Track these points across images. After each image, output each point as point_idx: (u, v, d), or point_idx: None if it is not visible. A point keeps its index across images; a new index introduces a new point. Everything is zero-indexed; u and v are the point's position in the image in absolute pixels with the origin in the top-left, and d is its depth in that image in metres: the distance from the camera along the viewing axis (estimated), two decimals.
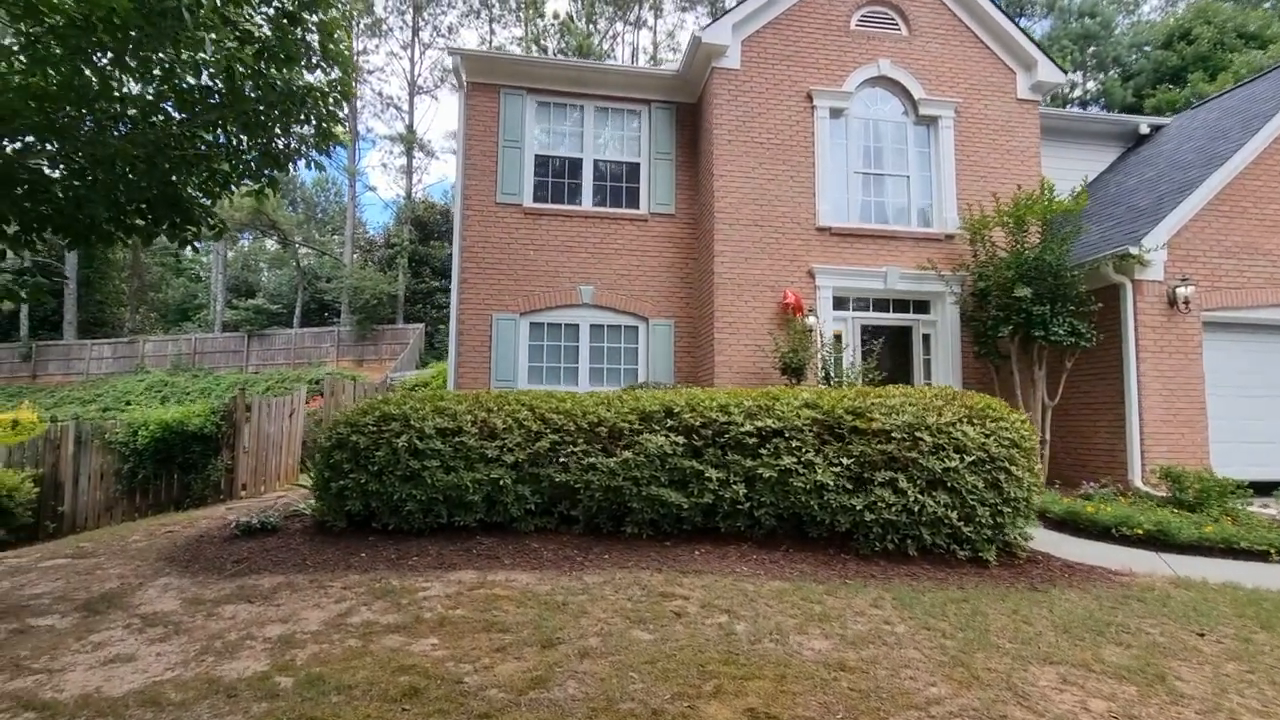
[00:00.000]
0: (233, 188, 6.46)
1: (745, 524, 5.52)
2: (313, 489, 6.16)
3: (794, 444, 5.34)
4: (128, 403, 28.22)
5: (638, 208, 9.77)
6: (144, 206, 5.58)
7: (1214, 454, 7.68)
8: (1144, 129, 11.33)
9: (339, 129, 7.05)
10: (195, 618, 4.10)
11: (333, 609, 4.18)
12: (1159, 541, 5.83)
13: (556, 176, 9.72)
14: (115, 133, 5.19)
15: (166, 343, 32.94)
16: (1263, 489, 7.25)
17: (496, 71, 9.51)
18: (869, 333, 9.18)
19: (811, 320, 8.50)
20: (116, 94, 4.95)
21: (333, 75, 6.42)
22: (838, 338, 8.76)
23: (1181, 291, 7.71)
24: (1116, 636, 3.74)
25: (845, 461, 5.17)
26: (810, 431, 5.37)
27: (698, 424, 5.63)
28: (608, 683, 3.12)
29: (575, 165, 9.75)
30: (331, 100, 6.73)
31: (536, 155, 9.62)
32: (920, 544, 5.04)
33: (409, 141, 36.59)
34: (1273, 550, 5.48)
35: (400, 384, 11.82)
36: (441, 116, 64.87)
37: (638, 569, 4.95)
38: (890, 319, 9.31)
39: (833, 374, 7.92)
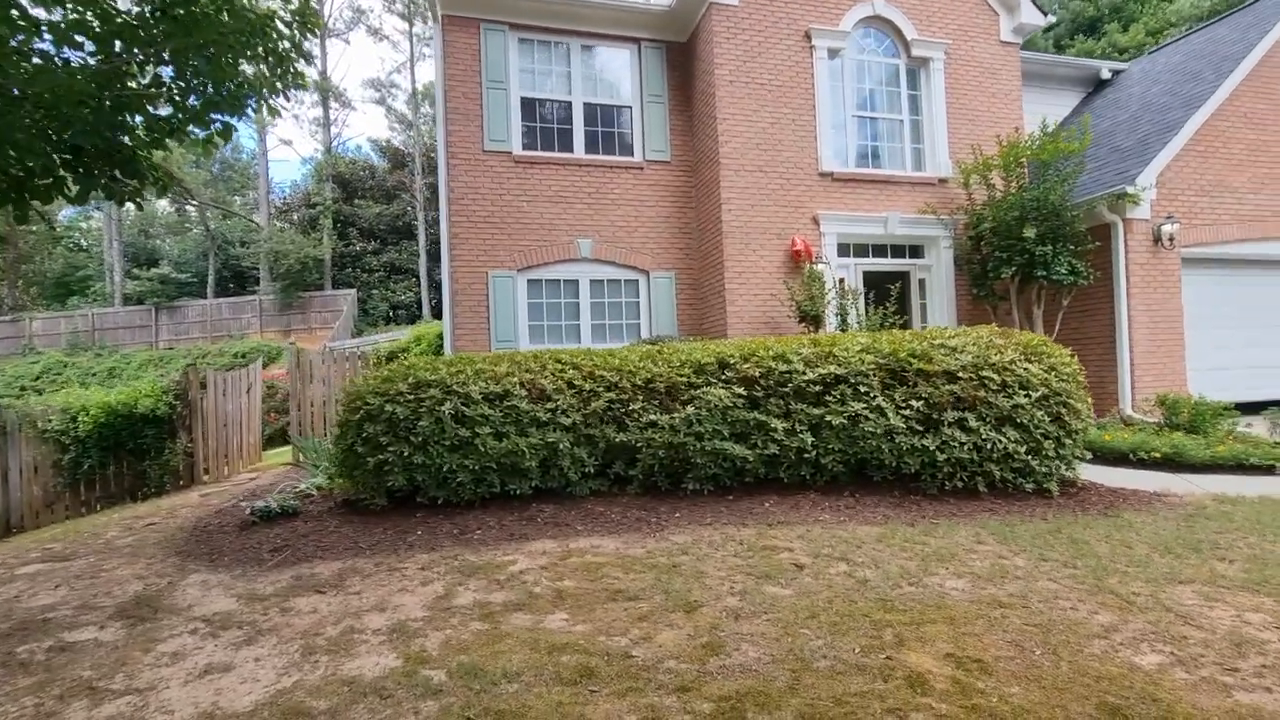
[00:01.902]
0: (176, 137, 5.63)
1: (809, 472, 5.47)
2: (339, 466, 5.61)
3: (861, 389, 5.29)
4: (23, 388, 25.24)
5: (632, 155, 9.31)
6: (69, 157, 4.71)
7: (1191, 381, 8.29)
8: (1105, 74, 11.78)
9: (303, 67, 6.25)
10: (269, 615, 3.64)
11: (425, 592, 3.81)
12: (1174, 463, 6.25)
13: (545, 122, 9.08)
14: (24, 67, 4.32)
15: (58, 319, 29.56)
16: (1244, 410, 7.90)
17: (475, 2, 8.66)
18: (870, 279, 9.25)
19: (822, 267, 8.45)
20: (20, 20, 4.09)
21: (293, 4, 5.64)
22: (841, 283, 8.77)
23: (1166, 229, 8.15)
24: (1215, 553, 3.94)
25: (915, 404, 5.17)
26: (875, 376, 5.33)
27: (757, 375, 5.47)
28: (783, 642, 2.98)
29: (565, 110, 9.13)
30: (293, 31, 5.94)
31: (523, 98, 8.93)
32: (989, 480, 5.15)
33: (324, 90, 33.59)
34: (1278, 464, 5.97)
35: (372, 351, 11.01)
36: (357, 63, 59.86)
37: (720, 525, 4.81)
38: (889, 264, 9.40)
39: (849, 320, 7.93)
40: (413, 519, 5.20)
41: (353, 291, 29.90)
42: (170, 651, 3.25)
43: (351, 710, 2.59)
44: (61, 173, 4.80)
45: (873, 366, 5.35)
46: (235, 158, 39.41)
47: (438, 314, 32.57)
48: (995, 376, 5.11)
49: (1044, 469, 5.16)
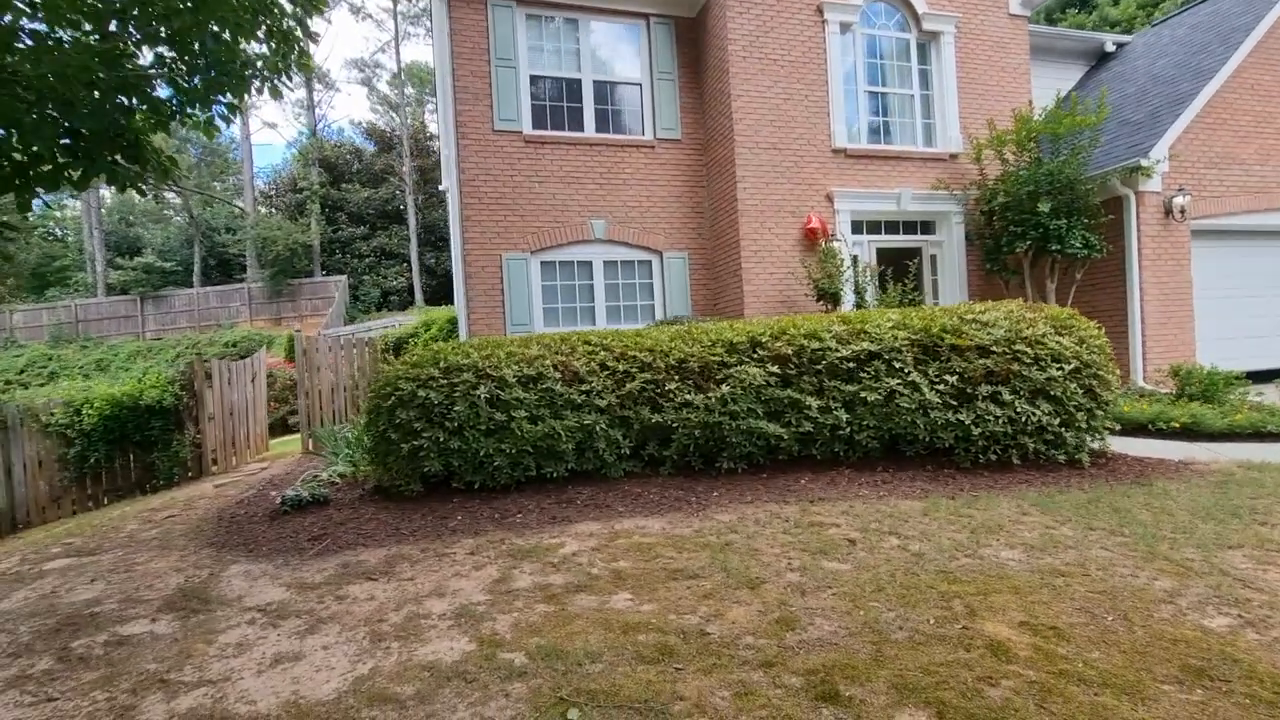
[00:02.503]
0: (179, 119, 5.49)
1: (843, 449, 5.50)
2: (369, 453, 5.56)
3: (895, 365, 5.30)
4: (7, 382, 24.75)
5: (643, 134, 9.19)
6: (68, 142, 4.54)
7: (1199, 352, 8.41)
8: (1109, 47, 11.77)
9: (308, 46, 6.10)
10: (325, 603, 3.61)
11: (480, 576, 3.80)
12: (1193, 432, 6.35)
13: (554, 100, 8.93)
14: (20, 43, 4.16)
15: (40, 311, 28.93)
16: (1253, 379, 8.03)
17: None
18: (882, 255, 9.25)
19: (838, 244, 8.43)
20: None
21: None
22: (854, 260, 8.76)
23: (1178, 201, 8.21)
24: (1255, 518, 4.01)
25: (949, 379, 5.19)
26: (909, 352, 5.34)
27: (790, 353, 5.46)
28: (855, 615, 3.00)
29: (574, 87, 8.97)
30: (298, 9, 5.81)
31: (532, 76, 8.76)
32: (1023, 452, 5.21)
33: (308, 71, 32.74)
34: None
35: (380, 337, 10.88)
36: (340, 43, 58.26)
37: (761, 503, 4.83)
38: (901, 241, 9.41)
39: (867, 298, 7.93)
40: (449, 504, 5.17)
41: (343, 278, 29.50)
42: (233, 642, 3.22)
43: (438, 694, 2.58)
44: (61, 159, 4.65)
45: (906, 342, 5.36)
46: (216, 142, 38.50)
47: (431, 300, 32.26)
48: (1029, 350, 5.15)
49: (1075, 441, 5.22)
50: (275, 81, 5.79)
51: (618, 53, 9.23)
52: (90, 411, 9.05)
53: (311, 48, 6.22)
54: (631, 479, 5.54)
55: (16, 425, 9.15)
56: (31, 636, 3.56)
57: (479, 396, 5.08)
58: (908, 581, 3.33)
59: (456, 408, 5.07)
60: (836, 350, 5.39)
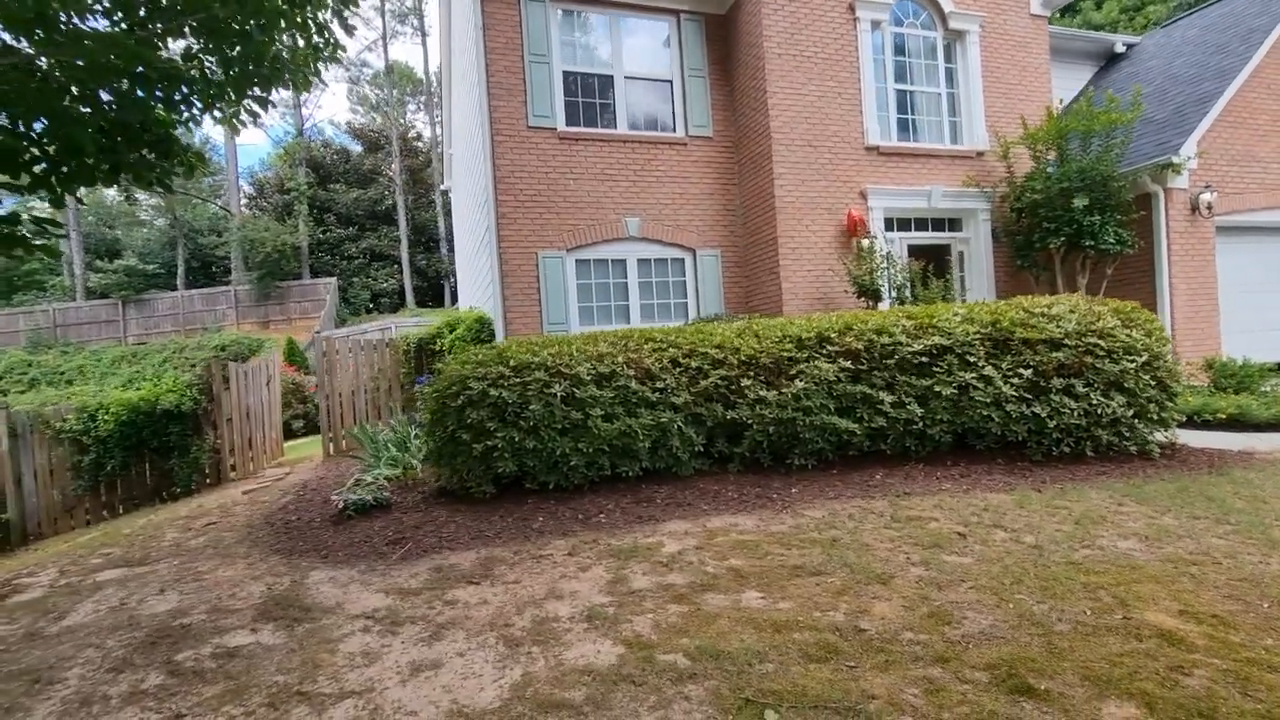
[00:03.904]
0: (211, 112, 5.33)
1: (914, 443, 5.48)
2: (434, 454, 5.41)
3: (968, 359, 5.31)
4: None
5: (674, 131, 9.13)
6: (102, 136, 4.37)
7: (1224, 345, 8.59)
8: (1119, 48, 12.00)
9: (343, 38, 5.97)
10: (436, 608, 3.48)
11: (590, 578, 3.70)
12: (1240, 423, 6.47)
13: (587, 96, 8.83)
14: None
15: (17, 316, 27.97)
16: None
17: None
18: (913, 252, 9.30)
19: (877, 241, 8.45)
20: None
21: None
22: (889, 256, 8.79)
23: (1205, 198, 8.38)
24: None
25: (1023, 372, 5.21)
26: (981, 346, 5.35)
27: (860, 348, 5.44)
28: (1005, 608, 2.97)
29: (606, 84, 8.89)
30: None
31: (564, 72, 8.65)
32: (1096, 444, 5.24)
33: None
34: None
35: (403, 339, 10.66)
36: None
37: (846, 499, 4.79)
38: (931, 237, 9.47)
39: (907, 294, 7.96)
40: (525, 505, 5.06)
41: (333, 280, 29.00)
42: (357, 651, 3.08)
43: (611, 699, 2.48)
44: (90, 153, 4.47)
45: (977, 336, 5.37)
46: (199, 143, 37.58)
47: (421, 302, 31.86)
48: (1101, 343, 5.18)
49: (1146, 432, 5.27)
50: (306, 74, 5.66)
51: (649, 49, 9.16)
52: (106, 417, 8.73)
53: (343, 36, 6.07)
54: (703, 477, 5.47)
55: (26, 433, 8.80)
56: (125, 650, 3.38)
57: (554, 395, 4.97)
58: (1042, 573, 3.30)
59: (532, 406, 4.95)
60: (908, 345, 5.38)
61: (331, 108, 58.23)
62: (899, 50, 9.39)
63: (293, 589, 4.03)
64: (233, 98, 5.24)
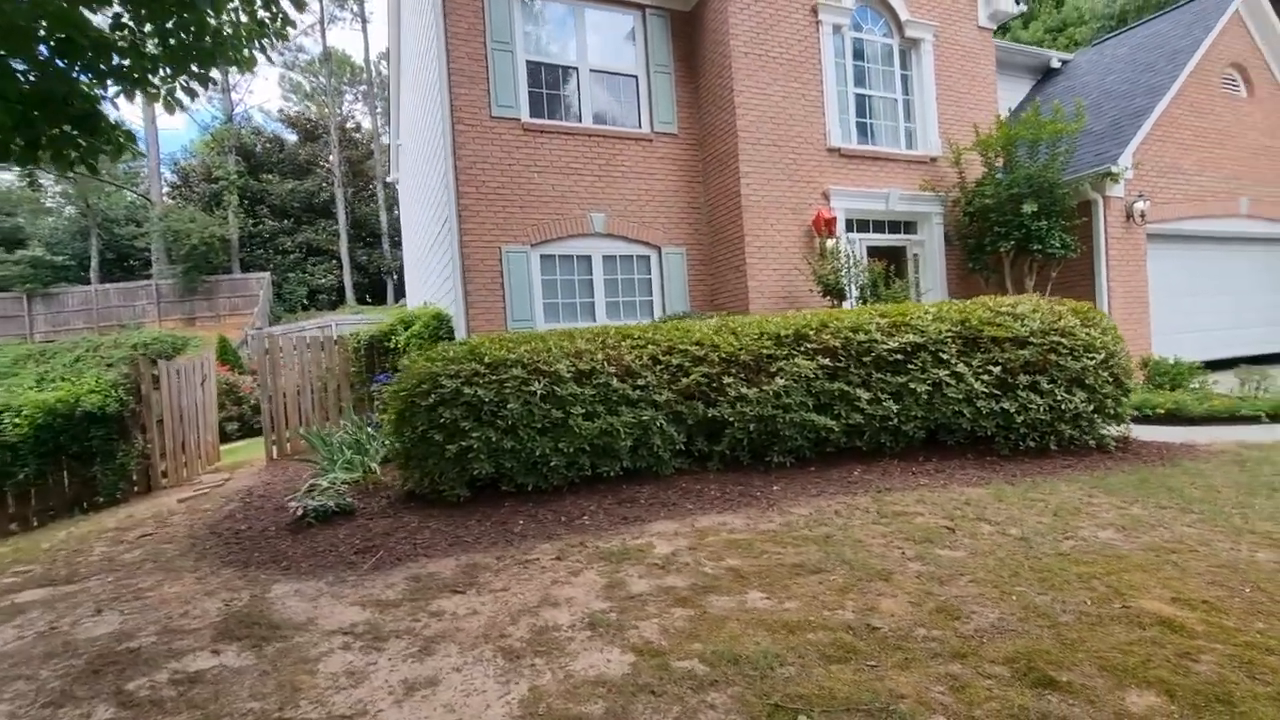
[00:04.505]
0: (142, 88, 4.94)
1: (888, 440, 5.56)
2: (402, 457, 5.11)
3: (941, 356, 5.42)
4: None
5: (639, 127, 9.03)
6: (19, 107, 3.97)
7: (1154, 344, 9.16)
8: (1055, 63, 12.66)
9: (293, 13, 5.65)
10: (421, 620, 3.26)
11: (583, 582, 3.54)
12: (1176, 417, 6.88)
13: (551, 88, 8.61)
14: None
15: None
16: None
17: None
18: (871, 253, 9.50)
19: (841, 241, 8.58)
20: None
21: None
22: (850, 256, 8.94)
23: (1139, 206, 8.91)
24: None
25: (992, 369, 5.36)
26: (953, 344, 5.48)
27: (837, 345, 5.48)
28: (1009, 601, 3.00)
29: (570, 76, 8.70)
30: None
31: (529, 62, 8.41)
32: (1060, 439, 5.44)
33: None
34: (1263, 415, 6.70)
35: (352, 336, 10.13)
36: None
37: (830, 496, 4.80)
38: (888, 239, 9.71)
39: (868, 293, 8.11)
40: (502, 508, 4.84)
41: (266, 275, 27.45)
42: (339, 671, 2.83)
43: (632, 711, 2.35)
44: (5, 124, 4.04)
45: (949, 334, 5.49)
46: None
47: (362, 299, 30.62)
48: (1064, 341, 5.39)
49: (1104, 426, 5.52)
50: (251, 51, 5.29)
51: (613, 43, 9.02)
52: (18, 420, 7.89)
53: (294, 14, 5.73)
54: (683, 475, 5.38)
55: None
56: (63, 681, 3.01)
57: (533, 393, 4.78)
58: (1035, 565, 3.37)
59: (510, 405, 4.74)
60: (883, 343, 5.45)
61: (263, 94, 55.14)
62: (858, 55, 9.59)
63: (255, 604, 3.70)
64: (169, 74, 4.83)
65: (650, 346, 5.35)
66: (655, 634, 2.91)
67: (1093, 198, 8.88)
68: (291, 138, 32.64)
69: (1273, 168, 10.93)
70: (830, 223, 8.37)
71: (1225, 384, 8.03)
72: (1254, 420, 6.68)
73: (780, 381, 5.25)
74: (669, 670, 2.59)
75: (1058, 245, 8.52)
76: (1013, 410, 5.29)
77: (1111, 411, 5.50)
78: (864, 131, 9.60)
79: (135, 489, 8.55)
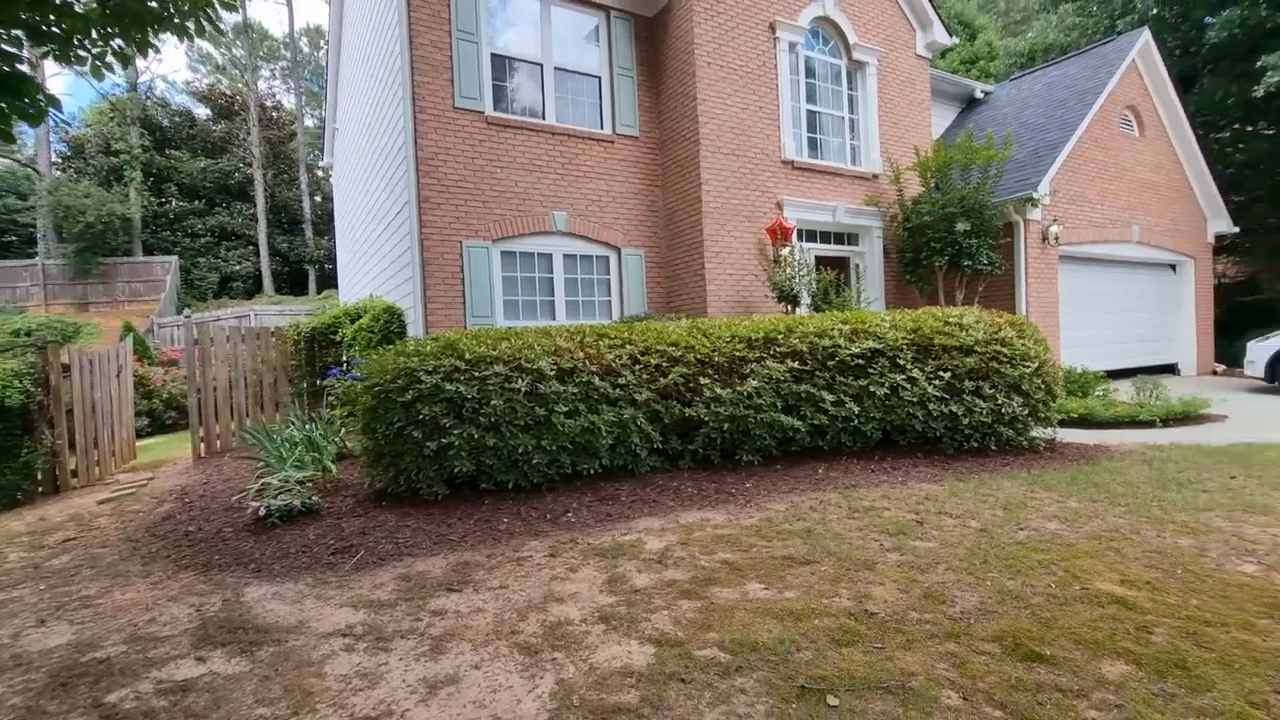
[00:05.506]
0: (63, 52, 4.66)
1: (849, 439, 5.90)
2: (372, 454, 4.94)
3: (898, 362, 5.80)
4: None
5: (602, 128, 9.08)
6: None
7: (1063, 355, 10.11)
8: (979, 94, 13.69)
9: None
10: (424, 619, 3.21)
11: (583, 578, 3.59)
12: (1087, 421, 7.65)
13: (516, 84, 8.53)
14: None
15: None
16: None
17: None
18: (819, 263, 9.97)
19: (796, 250, 8.96)
20: None
21: None
22: (801, 264, 9.35)
23: (1053, 229, 9.81)
24: (1195, 486, 4.94)
25: (943, 375, 5.79)
26: (909, 351, 5.87)
27: (804, 349, 5.76)
28: (986, 586, 3.29)
29: (535, 73, 8.64)
30: None
31: (493, 55, 8.29)
32: (999, 439, 5.95)
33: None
34: (1158, 420, 7.55)
35: (293, 329, 9.59)
36: None
37: (802, 492, 5.05)
38: (834, 250, 10.21)
39: (820, 301, 8.52)
40: (482, 506, 4.79)
41: (174, 259, 25.40)
42: (351, 672, 2.76)
43: (666, 697, 2.44)
44: None
45: (905, 342, 5.88)
46: None
47: (281, 288, 28.90)
48: (1004, 350, 5.90)
49: (1036, 429, 6.07)
50: (199, 19, 5.04)
51: (579, 43, 9.04)
52: None
53: None
54: (658, 473, 5.50)
55: None
56: (27, 698, 2.78)
57: (517, 390, 4.76)
58: (1000, 554, 3.70)
59: (493, 402, 4.70)
60: (846, 348, 5.78)
61: (170, 62, 50.69)
62: (810, 73, 10.04)
63: (230, 609, 3.51)
64: (101, 36, 4.51)
65: (628, 346, 5.44)
66: (669, 625, 3.00)
67: (1015, 220, 9.70)
68: (204, 112, 30.37)
69: (1158, 200, 12.30)
70: (787, 231, 8.72)
71: (1124, 392, 8.98)
72: (1150, 424, 7.52)
73: (753, 383, 5.46)
74: (692, 659, 2.70)
75: (986, 262, 9.26)
76: (960, 413, 5.74)
77: (1042, 415, 6.06)
78: (814, 146, 10.06)
79: (41, 490, 7.78)
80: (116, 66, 4.79)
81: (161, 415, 13.39)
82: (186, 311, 13.34)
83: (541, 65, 8.66)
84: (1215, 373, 13.32)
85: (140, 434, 13.07)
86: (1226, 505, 4.48)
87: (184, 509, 5.75)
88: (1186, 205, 12.87)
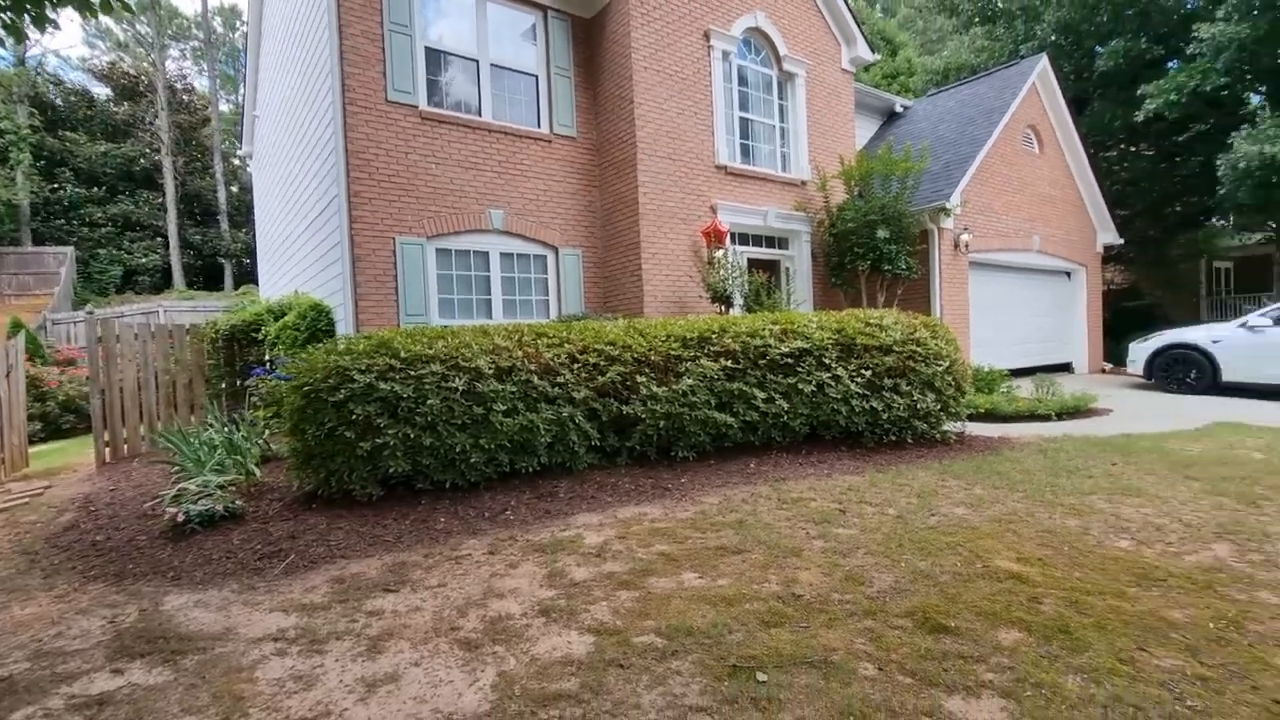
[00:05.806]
0: None
1: (779, 435, 6.17)
2: (301, 456, 4.80)
3: (824, 360, 6.12)
4: None
5: (539, 127, 9.09)
6: None
7: (973, 354, 10.87)
8: (898, 108, 14.49)
9: None
10: (360, 620, 3.18)
11: (523, 574, 3.64)
12: (992, 415, 8.28)
13: (451, 79, 8.41)
14: None
15: None
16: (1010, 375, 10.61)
17: None
18: (751, 265, 10.32)
19: (730, 253, 9.23)
20: None
21: None
22: (736, 266, 9.66)
23: (964, 238, 10.53)
24: (1082, 473, 5.47)
25: (865, 373, 6.15)
26: (833, 350, 6.20)
27: (737, 348, 5.99)
28: (900, 567, 3.56)
29: (471, 70, 8.55)
30: None
31: (428, 49, 8.15)
32: (914, 433, 6.37)
33: None
34: (1053, 414, 8.26)
35: (210, 326, 9.08)
36: None
37: (734, 486, 5.25)
38: (766, 253, 10.59)
39: (752, 302, 8.84)
40: (419, 506, 4.74)
41: (69, 250, 23.38)
42: (284, 676, 2.72)
43: (605, 683, 2.54)
44: None
45: (830, 341, 6.21)
46: None
47: (193, 283, 27.15)
48: (919, 349, 6.32)
49: (947, 423, 6.54)
50: None
51: (515, 41, 9.00)
52: None
53: None
54: (595, 470, 5.59)
55: None
56: None
57: (454, 389, 4.74)
58: (914, 537, 4.00)
59: (429, 401, 4.67)
60: (777, 347, 6.05)
61: (65, 37, 46.46)
62: (743, 81, 10.38)
63: (150, 619, 3.36)
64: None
65: (567, 345, 5.50)
66: (608, 615, 3.10)
67: (931, 228, 10.37)
68: (104, 92, 28.12)
69: (1056, 213, 13.40)
70: (721, 234, 8.99)
71: (1025, 389, 9.75)
72: (1047, 418, 8.22)
73: (688, 381, 5.64)
74: (630, 645, 2.81)
75: (904, 267, 9.84)
76: (880, 408, 6.11)
77: (953, 410, 6.53)
78: (746, 153, 10.40)
79: None
80: (8, 41, 4.49)
81: (57, 419, 12.37)
82: (89, 307, 12.30)
83: (478, 61, 8.58)
84: (1104, 371, 14.61)
85: (33, 439, 12.04)
86: (1108, 489, 4.99)
87: (89, 518, 5.39)
88: (1079, 218, 14.07)
